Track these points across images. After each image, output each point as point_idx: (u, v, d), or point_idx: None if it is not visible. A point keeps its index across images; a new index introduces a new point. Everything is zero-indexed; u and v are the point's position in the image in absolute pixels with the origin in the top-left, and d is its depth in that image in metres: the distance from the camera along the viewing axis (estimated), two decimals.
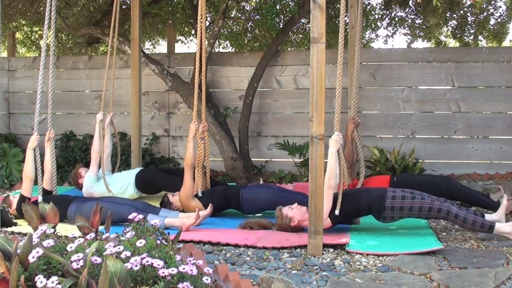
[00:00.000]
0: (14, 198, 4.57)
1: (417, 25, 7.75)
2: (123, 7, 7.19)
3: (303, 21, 7.70)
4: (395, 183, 4.64)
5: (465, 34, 7.67)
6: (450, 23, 7.72)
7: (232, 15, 8.01)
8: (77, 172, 5.37)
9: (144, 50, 8.42)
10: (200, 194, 4.61)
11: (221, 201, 4.67)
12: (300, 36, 8.33)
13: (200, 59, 4.58)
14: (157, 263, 2.27)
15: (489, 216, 3.98)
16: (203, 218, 4.32)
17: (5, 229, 4.23)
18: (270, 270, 3.25)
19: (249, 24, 8.15)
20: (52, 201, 4.29)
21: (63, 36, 8.72)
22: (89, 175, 5.22)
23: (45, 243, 2.38)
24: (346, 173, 4.18)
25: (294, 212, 4.03)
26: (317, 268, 3.26)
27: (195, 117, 4.66)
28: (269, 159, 7.09)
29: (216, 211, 4.64)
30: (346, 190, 4.13)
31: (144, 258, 2.28)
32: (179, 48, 9.47)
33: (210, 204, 4.40)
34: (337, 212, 3.92)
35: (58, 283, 2.14)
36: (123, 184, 5.23)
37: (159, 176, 5.37)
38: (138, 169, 5.46)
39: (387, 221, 3.91)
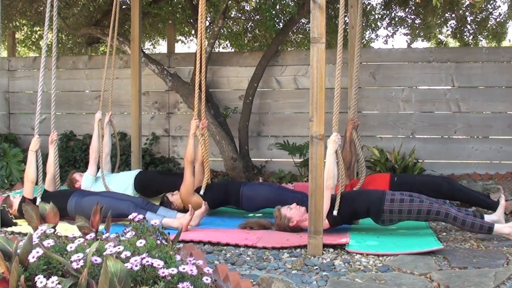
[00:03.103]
0: (14, 198, 4.56)
1: (417, 25, 7.75)
2: (123, 7, 7.19)
3: (303, 21, 7.70)
4: (395, 183, 4.63)
5: (465, 34, 7.68)
6: (450, 23, 7.73)
7: (232, 15, 8.02)
8: (72, 177, 5.33)
9: (144, 50, 8.42)
10: (202, 192, 4.61)
11: (220, 196, 4.68)
12: (300, 36, 8.34)
13: (201, 57, 4.58)
14: (157, 263, 2.27)
15: (488, 217, 3.98)
16: (200, 216, 4.31)
17: (5, 229, 4.23)
18: (270, 270, 3.25)
19: (249, 24, 8.15)
20: (51, 196, 4.34)
21: (63, 36, 8.72)
22: (87, 175, 5.22)
23: (45, 243, 2.38)
24: (344, 174, 4.19)
25: (292, 212, 4.03)
26: (317, 268, 3.26)
27: (196, 114, 4.66)
28: (269, 159, 7.09)
29: (214, 206, 4.65)
30: (345, 193, 4.13)
31: (144, 258, 2.28)
32: (179, 48, 9.48)
33: (204, 202, 4.39)
34: (335, 212, 3.92)
35: (58, 283, 2.14)
36: (122, 186, 5.21)
37: (158, 177, 5.36)
38: (137, 171, 5.45)
39: (385, 224, 3.91)
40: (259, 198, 4.58)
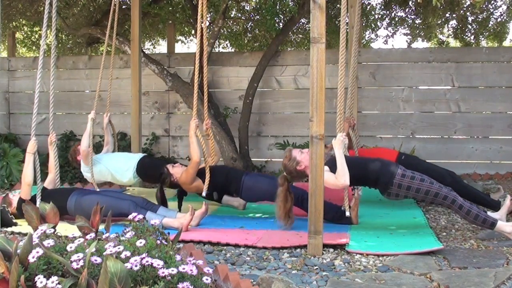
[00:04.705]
0: (14, 196, 4.55)
1: (417, 25, 7.75)
2: (123, 7, 7.19)
3: (303, 21, 7.70)
4: (401, 161, 4.62)
5: (466, 34, 7.68)
6: (450, 23, 7.73)
7: (232, 15, 8.02)
8: (76, 149, 5.38)
9: (144, 50, 8.43)
10: (204, 194, 4.61)
11: (221, 181, 4.69)
12: (300, 36, 8.34)
13: (201, 59, 4.58)
14: (157, 263, 2.27)
15: (490, 215, 3.98)
16: (201, 217, 4.30)
17: (5, 229, 4.23)
18: (270, 270, 3.24)
19: (249, 24, 8.15)
20: (51, 195, 4.35)
21: (63, 36, 8.72)
22: (83, 167, 5.27)
23: (45, 243, 2.38)
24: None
25: (303, 156, 3.98)
26: (317, 268, 3.26)
27: (195, 114, 4.65)
28: (269, 159, 7.09)
29: (214, 190, 4.68)
30: (360, 158, 4.20)
31: (144, 258, 2.28)
32: (179, 48, 9.49)
33: (204, 203, 4.39)
34: (348, 214, 3.96)
35: (58, 283, 2.14)
36: (124, 165, 5.19)
37: (161, 166, 5.34)
38: (141, 155, 5.41)
39: (391, 197, 3.90)
40: (259, 189, 4.57)
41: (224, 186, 4.70)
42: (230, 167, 4.95)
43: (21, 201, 4.36)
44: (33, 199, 4.30)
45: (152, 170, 5.19)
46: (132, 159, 5.26)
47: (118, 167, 5.18)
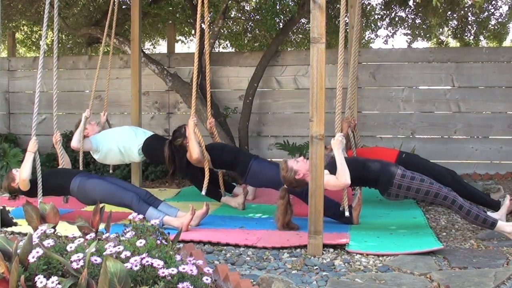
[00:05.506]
0: (17, 172, 4.51)
1: (417, 25, 7.75)
2: (123, 7, 7.20)
3: (303, 21, 7.70)
4: (402, 159, 4.63)
5: (466, 34, 7.68)
6: (450, 23, 7.73)
7: (232, 15, 8.02)
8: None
9: (144, 50, 8.43)
10: (203, 193, 4.62)
11: (229, 160, 4.74)
12: (300, 36, 8.34)
13: (201, 59, 4.58)
14: (157, 263, 2.26)
15: (490, 215, 3.98)
16: (201, 217, 4.30)
17: (5, 229, 4.23)
18: (270, 270, 3.24)
19: (249, 24, 8.15)
20: (56, 173, 4.47)
21: (63, 36, 8.72)
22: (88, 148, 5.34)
23: (45, 243, 2.38)
24: None
25: (299, 165, 3.99)
26: (317, 268, 3.26)
27: (193, 113, 4.65)
28: (269, 159, 7.08)
29: (220, 167, 4.76)
30: (358, 158, 4.21)
31: (144, 258, 2.28)
32: (179, 48, 9.48)
33: (205, 203, 4.40)
34: (347, 214, 3.97)
35: (58, 283, 2.14)
36: (131, 139, 5.17)
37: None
38: (150, 133, 5.37)
39: (391, 198, 3.90)
40: (264, 176, 4.58)
41: (230, 166, 4.75)
42: (240, 149, 4.97)
43: (19, 191, 4.39)
44: (35, 183, 4.31)
45: (158, 153, 5.07)
46: (140, 136, 5.22)
47: (126, 142, 5.15)
